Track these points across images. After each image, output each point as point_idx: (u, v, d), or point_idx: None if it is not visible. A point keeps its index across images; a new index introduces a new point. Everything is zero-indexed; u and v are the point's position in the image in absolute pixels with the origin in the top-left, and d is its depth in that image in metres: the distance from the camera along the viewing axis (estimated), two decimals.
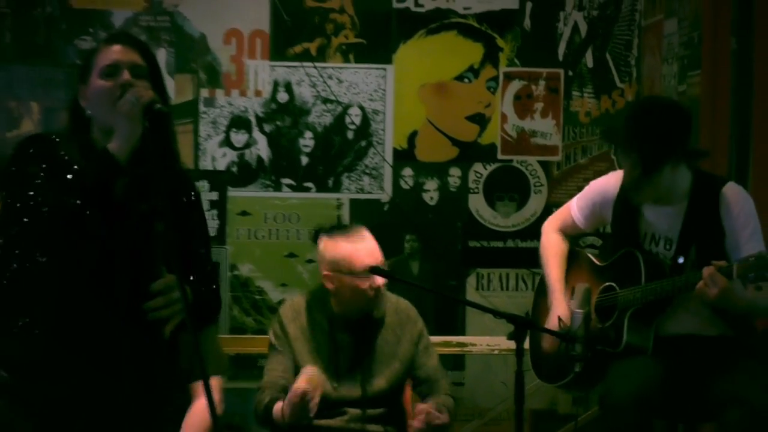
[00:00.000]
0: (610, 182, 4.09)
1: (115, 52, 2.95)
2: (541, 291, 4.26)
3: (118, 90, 2.88)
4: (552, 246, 4.23)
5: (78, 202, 2.73)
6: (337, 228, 4.07)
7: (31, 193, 2.80)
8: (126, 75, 2.91)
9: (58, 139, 2.95)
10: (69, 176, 2.80)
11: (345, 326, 3.99)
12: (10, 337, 2.88)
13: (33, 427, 2.87)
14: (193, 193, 3.13)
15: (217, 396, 4.13)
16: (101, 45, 3.01)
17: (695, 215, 3.81)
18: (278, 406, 3.81)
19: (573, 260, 4.22)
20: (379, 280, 3.93)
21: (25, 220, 2.79)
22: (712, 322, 3.84)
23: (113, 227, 2.82)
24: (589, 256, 4.18)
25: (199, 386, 3.73)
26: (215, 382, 4.13)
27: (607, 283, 3.99)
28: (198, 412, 3.69)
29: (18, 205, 2.82)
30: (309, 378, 3.73)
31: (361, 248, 3.95)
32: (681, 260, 3.79)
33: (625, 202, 3.97)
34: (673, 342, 3.86)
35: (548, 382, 4.23)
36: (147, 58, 3.00)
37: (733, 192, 3.83)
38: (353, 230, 4.02)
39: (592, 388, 4.10)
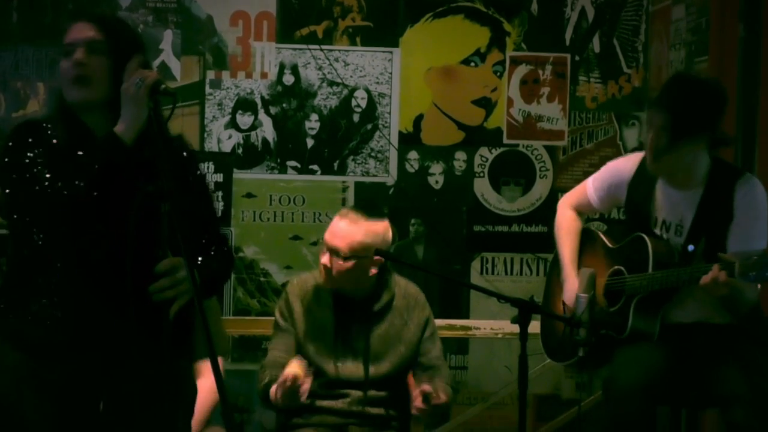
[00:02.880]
0: (627, 163, 4.07)
1: (73, 30, 2.95)
2: (555, 268, 4.25)
3: (72, 69, 2.87)
4: (566, 224, 4.21)
5: (84, 185, 2.74)
6: (359, 205, 4.05)
7: (35, 179, 2.80)
8: (78, 54, 2.90)
9: (48, 124, 2.94)
10: (76, 160, 2.80)
11: (351, 306, 3.99)
12: (28, 320, 2.89)
13: (43, 405, 2.88)
14: (187, 156, 3.13)
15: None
16: (68, 24, 3.00)
17: (710, 203, 3.80)
18: (273, 389, 3.82)
19: (586, 239, 4.20)
20: (325, 259, 3.89)
21: (32, 205, 2.79)
22: (718, 311, 3.83)
23: (120, 209, 2.83)
24: (602, 236, 4.16)
25: (204, 365, 3.74)
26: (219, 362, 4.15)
27: (616, 267, 3.99)
28: (202, 391, 3.69)
29: (23, 192, 2.82)
30: (299, 365, 3.73)
31: (339, 226, 3.90)
32: (691, 248, 3.78)
33: (640, 185, 3.96)
34: (679, 330, 3.85)
35: (558, 361, 4.23)
36: (106, 32, 2.95)
37: (750, 184, 3.82)
38: (361, 211, 3.95)
39: (599, 370, 4.10)
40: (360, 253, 3.85)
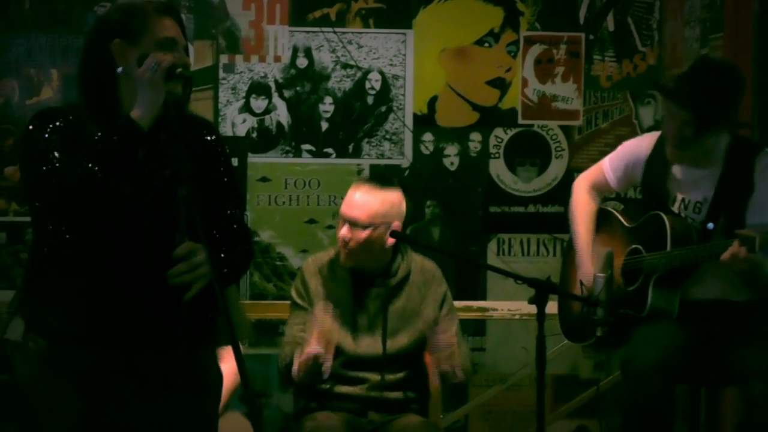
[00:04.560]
0: (643, 143, 4.06)
1: (171, 28, 2.91)
2: (571, 250, 4.25)
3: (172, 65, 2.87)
4: (582, 206, 4.20)
5: (101, 170, 2.73)
6: (372, 176, 4.04)
7: (50, 164, 2.79)
8: (184, 56, 2.91)
9: (72, 112, 2.93)
10: (92, 145, 2.79)
11: (367, 282, 3.98)
12: (48, 309, 2.90)
13: (75, 388, 2.89)
14: (211, 141, 3.13)
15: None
16: (152, 13, 2.92)
17: (730, 180, 3.79)
18: (296, 365, 3.82)
19: (602, 219, 4.19)
20: (344, 231, 3.89)
21: (46, 190, 2.79)
22: (737, 288, 3.82)
23: (137, 194, 2.83)
24: (618, 216, 4.15)
25: (225, 350, 3.74)
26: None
27: (633, 246, 3.97)
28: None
29: (39, 177, 2.81)
30: (319, 335, 3.73)
31: (355, 197, 3.91)
32: (711, 226, 3.76)
33: (656, 164, 3.95)
34: (699, 307, 3.85)
35: (576, 342, 4.22)
36: (184, 35, 3.00)
37: None
38: (374, 181, 3.98)
39: (617, 350, 4.09)
40: (378, 222, 3.87)
